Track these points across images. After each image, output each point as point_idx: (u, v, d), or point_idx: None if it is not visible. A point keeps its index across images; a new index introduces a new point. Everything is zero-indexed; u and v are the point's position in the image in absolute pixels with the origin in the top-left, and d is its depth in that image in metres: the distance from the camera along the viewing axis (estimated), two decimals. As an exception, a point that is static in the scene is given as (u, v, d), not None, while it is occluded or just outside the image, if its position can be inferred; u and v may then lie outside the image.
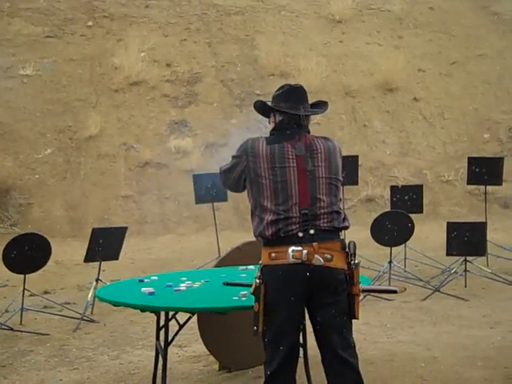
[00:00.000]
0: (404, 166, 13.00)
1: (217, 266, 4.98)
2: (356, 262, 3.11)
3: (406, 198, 8.48)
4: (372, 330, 5.84)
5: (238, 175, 3.32)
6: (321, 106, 3.48)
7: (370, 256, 8.54)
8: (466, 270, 7.38)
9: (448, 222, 7.53)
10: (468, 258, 7.48)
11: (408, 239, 7.65)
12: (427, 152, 13.29)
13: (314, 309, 3.13)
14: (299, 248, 3.03)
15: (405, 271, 7.95)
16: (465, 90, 14.52)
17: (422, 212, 8.57)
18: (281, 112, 3.34)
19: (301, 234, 3.07)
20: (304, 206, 3.11)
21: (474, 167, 8.53)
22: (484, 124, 13.83)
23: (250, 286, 3.82)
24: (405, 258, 8.42)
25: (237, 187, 3.40)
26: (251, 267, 4.64)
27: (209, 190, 8.88)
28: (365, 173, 12.49)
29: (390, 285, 7.27)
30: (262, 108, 3.53)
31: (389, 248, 7.55)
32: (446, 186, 12.48)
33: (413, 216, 8.13)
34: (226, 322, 4.47)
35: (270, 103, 3.44)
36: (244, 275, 4.35)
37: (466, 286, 7.39)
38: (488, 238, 8.48)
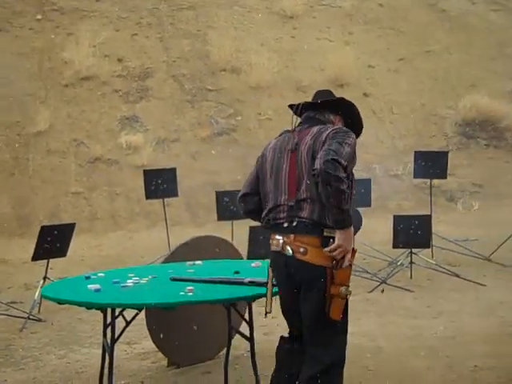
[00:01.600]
0: (354, 160, 13.18)
1: (165, 261, 4.99)
2: (345, 263, 3.05)
3: (354, 191, 8.60)
4: (320, 323, 5.94)
5: (253, 176, 3.53)
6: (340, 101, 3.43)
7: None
8: (411, 262, 7.57)
9: (394, 216, 7.70)
10: (413, 250, 7.66)
11: (357, 232, 7.76)
12: (376, 146, 13.49)
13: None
14: (279, 237, 3.17)
15: (354, 264, 8.08)
16: (413, 85, 14.80)
17: (370, 206, 8.73)
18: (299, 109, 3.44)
19: (286, 225, 3.16)
20: (291, 196, 3.17)
21: (420, 161, 8.72)
22: (431, 119, 14.13)
23: (198, 281, 3.88)
24: (353, 251, 8.57)
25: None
26: (199, 262, 4.68)
27: (159, 185, 8.86)
28: (316, 167, 12.63)
29: (338, 278, 7.41)
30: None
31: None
32: (395, 179, 12.71)
33: (362, 210, 8.31)
34: (174, 317, 4.51)
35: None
36: (191, 270, 4.38)
37: (411, 278, 7.57)
38: (433, 230, 8.69)
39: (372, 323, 5.90)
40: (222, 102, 14.62)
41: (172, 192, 9.03)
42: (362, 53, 15.39)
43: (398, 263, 7.71)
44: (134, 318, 3.92)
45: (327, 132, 3.15)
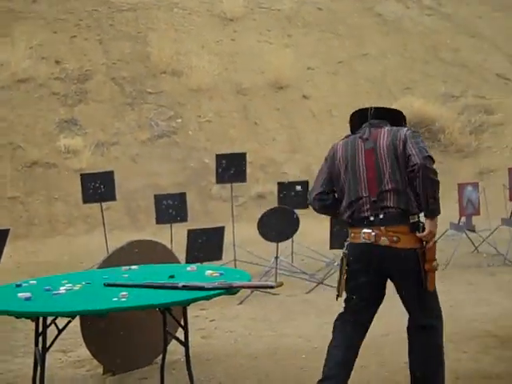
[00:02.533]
0: (294, 162, 13.35)
1: (100, 266, 4.96)
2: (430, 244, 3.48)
3: (293, 193, 8.72)
4: (257, 325, 6.00)
5: (323, 174, 3.87)
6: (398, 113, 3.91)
7: (260, 252, 8.74)
8: (348, 263, 7.69)
9: (331, 218, 7.80)
10: (351, 251, 7.78)
11: (293, 234, 7.88)
12: (316, 149, 13.66)
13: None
14: (369, 230, 3.51)
15: (291, 265, 8.18)
16: (351, 88, 15.05)
17: (307, 207, 8.83)
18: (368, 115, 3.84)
19: (372, 218, 3.53)
20: (372, 189, 3.56)
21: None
22: (369, 121, 14.39)
23: (132, 286, 3.87)
24: (292, 253, 8.67)
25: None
26: (134, 267, 4.66)
27: (97, 189, 8.77)
28: (256, 170, 12.72)
29: (276, 279, 7.49)
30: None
31: (277, 243, 7.75)
32: (334, 181, 12.90)
33: (300, 211, 8.42)
34: (108, 324, 4.48)
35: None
36: (126, 275, 4.36)
37: (348, 278, 7.69)
38: (370, 230, 8.88)
39: (309, 324, 5.99)
40: (163, 104, 14.56)
41: (110, 196, 8.96)
42: (302, 55, 15.57)
43: (335, 264, 7.83)
44: (66, 326, 3.87)
45: (404, 131, 3.60)
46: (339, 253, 7.82)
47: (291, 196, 8.71)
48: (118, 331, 4.67)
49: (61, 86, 14.36)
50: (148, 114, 14.26)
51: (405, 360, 4.78)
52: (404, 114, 3.93)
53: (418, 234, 3.47)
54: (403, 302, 3.73)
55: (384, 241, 3.48)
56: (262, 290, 6.70)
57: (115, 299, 3.67)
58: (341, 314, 3.86)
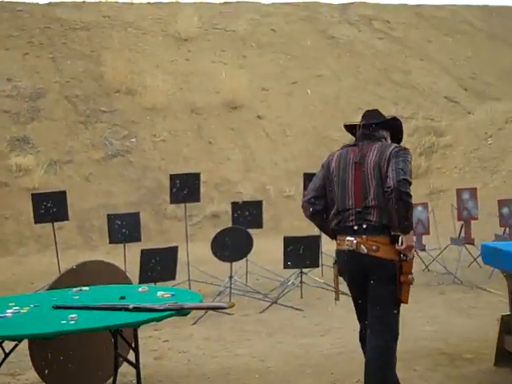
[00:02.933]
0: (248, 181, 13.41)
1: (50, 288, 4.88)
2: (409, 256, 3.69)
3: (247, 213, 8.74)
4: (211, 345, 5.98)
5: (319, 181, 4.01)
6: (391, 120, 4.03)
7: (214, 271, 8.72)
8: (301, 282, 7.75)
9: (284, 237, 7.86)
10: (304, 270, 7.85)
11: (247, 254, 7.90)
12: (270, 168, 13.78)
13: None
14: (352, 238, 3.71)
15: (245, 285, 8.18)
16: (304, 108, 15.24)
17: (261, 227, 8.88)
18: (358, 128, 3.95)
19: (356, 227, 3.73)
20: (358, 203, 3.74)
21: (309, 183, 8.94)
22: (322, 141, 14.59)
23: (81, 308, 3.82)
24: (246, 273, 8.67)
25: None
26: (85, 288, 4.60)
27: (49, 209, 8.64)
28: (210, 189, 12.73)
29: (230, 299, 7.48)
30: (349, 128, 4.12)
31: (231, 263, 7.75)
32: (288, 200, 13.00)
33: (255, 231, 8.46)
34: (58, 346, 4.42)
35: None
36: (77, 297, 4.30)
37: (301, 297, 7.74)
38: (323, 249, 8.95)
39: (262, 343, 5.99)
40: (117, 123, 14.49)
41: (62, 215, 8.83)
42: (256, 76, 15.71)
43: (289, 283, 7.87)
44: (12, 349, 3.80)
45: (390, 150, 3.73)
46: (293, 272, 7.93)
47: (245, 216, 8.73)
48: (67, 353, 4.60)
49: (12, 103, 14.18)
50: (102, 132, 14.17)
51: (356, 378, 4.85)
52: (400, 120, 4.11)
53: (396, 247, 3.65)
54: (370, 310, 3.83)
55: (363, 249, 3.68)
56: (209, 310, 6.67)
57: (64, 322, 3.60)
58: (359, 330, 4.06)
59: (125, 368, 4.67)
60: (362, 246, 3.68)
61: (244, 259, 8.40)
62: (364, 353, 3.96)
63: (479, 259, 7.56)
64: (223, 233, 7.72)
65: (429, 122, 15.19)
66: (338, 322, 6.56)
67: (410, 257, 3.70)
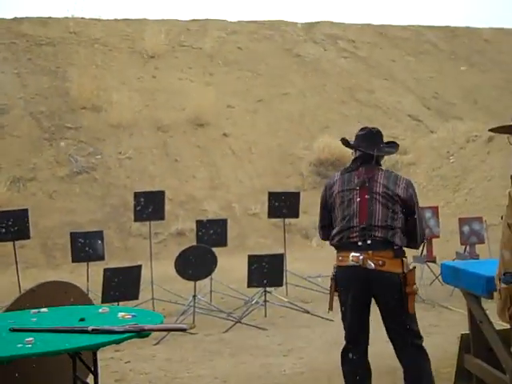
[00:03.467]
0: (214, 199, 13.40)
1: (8, 310, 4.80)
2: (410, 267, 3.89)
3: (212, 231, 8.74)
4: (173, 366, 5.93)
5: (322, 208, 4.14)
6: (392, 145, 4.25)
7: (179, 290, 8.68)
8: (265, 301, 7.75)
9: (249, 255, 7.87)
10: (268, 289, 7.85)
11: (211, 273, 7.88)
12: (236, 186, 13.80)
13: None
14: (357, 254, 3.81)
15: (209, 304, 8.15)
16: (270, 126, 15.33)
17: (226, 245, 8.88)
18: (358, 150, 4.08)
19: (360, 243, 3.84)
20: (362, 221, 3.87)
21: (274, 201, 9.02)
22: (287, 159, 14.68)
23: (39, 331, 3.76)
24: (210, 291, 8.64)
25: (327, 221, 4.13)
26: (44, 310, 4.53)
27: (10, 227, 8.51)
28: (175, 207, 12.70)
29: (194, 318, 7.45)
30: (346, 144, 4.22)
31: (194, 282, 7.72)
32: (253, 218, 13.03)
33: (219, 249, 8.45)
34: (14, 370, 4.33)
35: (352, 141, 4.18)
36: (34, 319, 4.23)
37: (265, 316, 7.73)
38: (288, 267, 8.98)
39: (225, 364, 5.97)
40: (82, 140, 14.40)
41: (23, 234, 8.70)
42: (222, 93, 15.77)
43: (253, 302, 7.87)
44: (-33, 373, 3.72)
45: (401, 182, 3.99)
46: (257, 291, 7.92)
47: (210, 234, 8.72)
48: (25, 377, 4.51)
49: (-25, 120, 14.01)
50: (67, 149, 14.06)
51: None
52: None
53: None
54: (386, 324, 3.96)
55: (370, 264, 3.78)
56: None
57: (20, 345, 3.53)
58: (344, 349, 4.06)
59: (85, 390, 4.60)
60: (369, 261, 3.79)
61: (208, 278, 8.38)
62: (345, 371, 4.05)
63: (441, 277, 7.65)
64: (187, 251, 7.69)
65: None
66: (301, 342, 6.58)
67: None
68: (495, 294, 3.09)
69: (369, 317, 3.99)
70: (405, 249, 3.98)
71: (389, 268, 3.82)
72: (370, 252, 3.81)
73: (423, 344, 3.98)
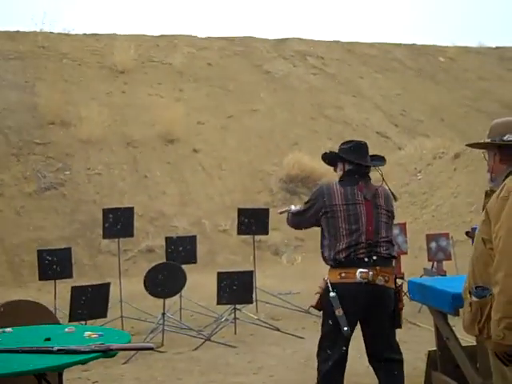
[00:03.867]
0: (184, 215, 13.35)
1: (-28, 330, 4.71)
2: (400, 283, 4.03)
3: (181, 248, 8.69)
4: (141, 385, 5.89)
5: (314, 212, 4.05)
6: (379, 159, 4.28)
7: (148, 308, 8.61)
8: (235, 318, 7.72)
9: (218, 272, 7.84)
10: (238, 306, 7.82)
11: (180, 290, 7.83)
12: (206, 202, 13.78)
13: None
14: (366, 270, 3.84)
15: (179, 322, 8.10)
16: (240, 142, 15.37)
17: (195, 262, 8.84)
18: (350, 162, 4.06)
19: (366, 259, 3.88)
20: (370, 237, 3.92)
21: (244, 218, 9.02)
22: (257, 175, 14.71)
23: (3, 351, 3.69)
24: (180, 309, 8.58)
25: (308, 223, 4.19)
26: (8, 330, 4.46)
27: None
28: (145, 223, 12.62)
29: (163, 336, 7.40)
30: (330, 158, 4.23)
31: (163, 299, 7.67)
32: (223, 235, 13.01)
33: (189, 266, 8.41)
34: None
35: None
36: (-1, 340, 4.17)
37: (235, 334, 7.70)
38: (258, 284, 8.96)
39: (194, 382, 5.93)
40: (50, 155, 14.26)
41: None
42: (192, 109, 15.78)
43: (223, 319, 7.84)
44: None
45: (392, 201, 4.13)
46: (227, 308, 7.88)
47: (179, 251, 8.68)
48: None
49: None
50: (35, 165, 13.90)
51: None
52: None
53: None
54: (371, 338, 3.98)
55: (380, 280, 3.85)
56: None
57: (-22, 368, 3.47)
58: (326, 368, 4.04)
59: (51, 412, 4.53)
60: (379, 277, 3.85)
61: (178, 295, 8.33)
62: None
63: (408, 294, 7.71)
64: (156, 268, 7.64)
65: (362, 157, 15.50)
66: (271, 359, 6.56)
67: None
68: (463, 308, 3.12)
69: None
70: None
71: (391, 284, 3.94)
72: (378, 268, 3.87)
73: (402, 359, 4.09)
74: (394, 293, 3.96)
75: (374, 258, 3.89)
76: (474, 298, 2.93)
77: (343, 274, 3.87)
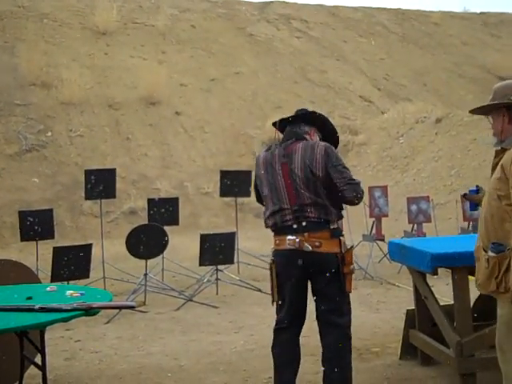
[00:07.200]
0: (166, 178, 13.34)
1: (-46, 289, 4.71)
2: (348, 246, 3.82)
3: (163, 210, 8.71)
4: (124, 344, 5.93)
5: (254, 185, 4.10)
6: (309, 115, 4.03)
7: (130, 269, 8.66)
8: (217, 279, 7.79)
9: (201, 234, 7.87)
10: (220, 267, 7.89)
11: (162, 251, 7.86)
12: (188, 165, 13.77)
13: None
14: (293, 237, 3.73)
15: (161, 282, 8.15)
16: (223, 105, 15.30)
17: (177, 224, 8.87)
18: (281, 130, 3.99)
19: (295, 226, 3.74)
20: (293, 202, 3.76)
21: (226, 180, 9.03)
22: (240, 138, 14.69)
23: None
24: (162, 270, 8.64)
25: (258, 197, 4.12)
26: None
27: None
28: (127, 185, 12.60)
29: (145, 297, 7.45)
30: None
31: (145, 260, 7.71)
32: (205, 197, 13.03)
33: (171, 228, 8.43)
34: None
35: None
36: (-19, 299, 4.18)
37: (217, 294, 7.78)
38: (240, 246, 9.03)
39: (176, 342, 5.98)
40: (32, 117, 14.12)
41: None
42: (175, 72, 15.65)
43: (205, 280, 7.90)
44: None
45: (318, 151, 3.77)
46: (209, 269, 7.95)
47: (161, 212, 8.69)
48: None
49: None
50: (16, 126, 13.77)
51: (268, 375, 4.92)
52: (327, 118, 4.11)
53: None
54: (318, 302, 3.87)
55: (307, 247, 3.71)
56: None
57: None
58: (276, 327, 4.02)
59: (34, 370, 4.57)
60: (306, 243, 3.71)
61: (160, 257, 8.37)
62: (276, 353, 4.02)
63: (389, 255, 7.81)
64: (138, 230, 7.66)
65: (344, 121, 15.53)
66: (251, 319, 6.64)
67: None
68: (477, 267, 3.16)
69: (306, 300, 3.93)
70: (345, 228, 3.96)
71: (326, 249, 3.74)
72: (306, 234, 3.72)
73: (347, 328, 3.89)
74: (334, 257, 3.75)
75: (304, 223, 3.74)
76: (492, 254, 2.98)
77: (277, 241, 3.85)
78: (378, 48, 18.97)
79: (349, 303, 3.92)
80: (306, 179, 3.76)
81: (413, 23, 20.70)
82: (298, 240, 3.72)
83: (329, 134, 4.06)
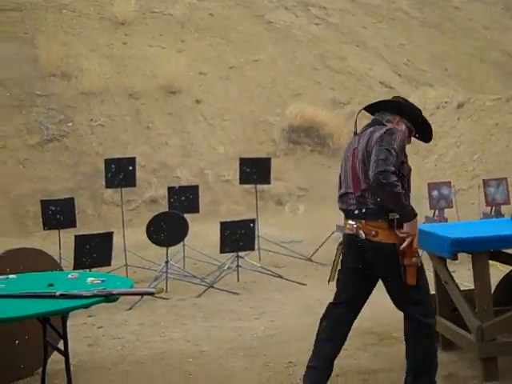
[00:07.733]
0: (186, 166, 13.38)
1: (-23, 277, 4.78)
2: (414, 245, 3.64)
3: (183, 198, 8.75)
4: (145, 330, 5.99)
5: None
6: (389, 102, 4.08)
7: (151, 257, 8.72)
8: (238, 266, 7.82)
9: (221, 222, 7.91)
10: (240, 254, 7.92)
11: (183, 239, 7.91)
12: (208, 153, 13.79)
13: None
14: (352, 222, 3.75)
15: (182, 270, 8.20)
16: (242, 93, 15.26)
17: (198, 212, 8.90)
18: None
19: (356, 212, 3.75)
20: (356, 187, 3.75)
21: (245, 167, 9.04)
22: (260, 126, 14.66)
23: (7, 296, 3.76)
24: (184, 257, 8.69)
25: None
26: (12, 276, 4.52)
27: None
28: (148, 174, 12.65)
29: (167, 284, 7.51)
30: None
31: (166, 248, 7.76)
32: (226, 185, 13.05)
33: (192, 215, 8.48)
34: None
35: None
36: (3, 285, 4.21)
37: (238, 281, 7.82)
38: (261, 233, 9.06)
39: (197, 328, 6.04)
40: (53, 107, 14.21)
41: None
42: (194, 60, 15.63)
43: (226, 267, 7.94)
44: None
45: (378, 133, 3.69)
46: (230, 256, 7.99)
47: (182, 200, 8.74)
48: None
49: None
50: (37, 117, 13.87)
51: (288, 360, 4.95)
52: (417, 107, 4.12)
53: (398, 233, 3.61)
54: (389, 295, 3.85)
55: (361, 234, 3.69)
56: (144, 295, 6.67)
57: (-14, 311, 3.53)
58: (330, 302, 3.98)
59: (58, 355, 4.63)
60: (361, 231, 3.69)
61: (181, 244, 8.42)
62: (324, 318, 3.96)
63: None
64: (158, 217, 7.71)
65: (365, 107, 15.41)
66: (272, 305, 6.67)
67: (405, 244, 3.59)
68: None
69: (367, 288, 3.89)
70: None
71: (382, 238, 3.64)
72: (364, 221, 3.69)
73: (426, 320, 3.77)
74: (391, 247, 3.62)
75: (363, 210, 3.70)
76: None
77: (344, 224, 3.90)
78: (398, 33, 18.78)
79: (422, 292, 3.76)
80: (363, 164, 3.70)
81: (433, 8, 20.43)
82: (355, 226, 3.73)
83: (415, 122, 4.02)
